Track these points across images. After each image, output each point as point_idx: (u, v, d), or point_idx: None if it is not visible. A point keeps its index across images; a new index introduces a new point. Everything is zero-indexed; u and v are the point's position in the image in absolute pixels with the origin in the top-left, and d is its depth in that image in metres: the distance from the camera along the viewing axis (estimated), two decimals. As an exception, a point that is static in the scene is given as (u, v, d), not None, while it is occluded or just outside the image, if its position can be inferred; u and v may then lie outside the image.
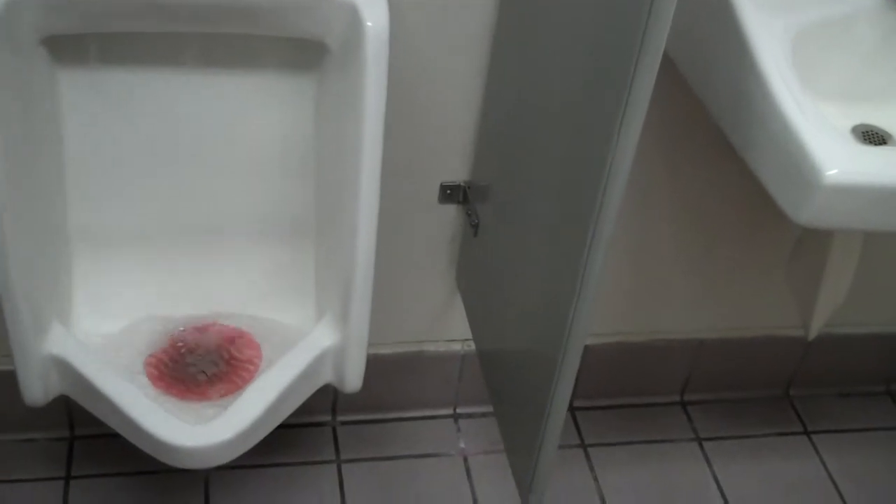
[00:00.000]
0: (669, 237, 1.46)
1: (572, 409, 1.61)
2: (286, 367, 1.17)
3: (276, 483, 1.45)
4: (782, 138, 0.97)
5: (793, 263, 1.34)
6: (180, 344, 1.24)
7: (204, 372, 1.23)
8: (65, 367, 1.14)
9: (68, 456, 1.44)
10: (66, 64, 1.10)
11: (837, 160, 0.93)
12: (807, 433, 1.66)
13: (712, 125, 1.20)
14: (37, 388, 1.16)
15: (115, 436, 1.44)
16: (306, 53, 1.14)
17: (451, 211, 1.36)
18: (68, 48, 1.09)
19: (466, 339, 1.50)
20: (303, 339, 1.21)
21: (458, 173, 1.33)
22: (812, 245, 1.28)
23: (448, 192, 1.34)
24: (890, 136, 1.14)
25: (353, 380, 1.23)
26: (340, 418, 1.55)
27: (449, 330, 1.49)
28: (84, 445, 1.46)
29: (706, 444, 1.61)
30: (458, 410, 1.59)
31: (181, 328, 1.25)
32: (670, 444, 1.61)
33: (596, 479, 1.53)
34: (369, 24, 1.04)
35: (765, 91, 1.00)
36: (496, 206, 1.27)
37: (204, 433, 1.10)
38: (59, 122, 1.14)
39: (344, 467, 1.49)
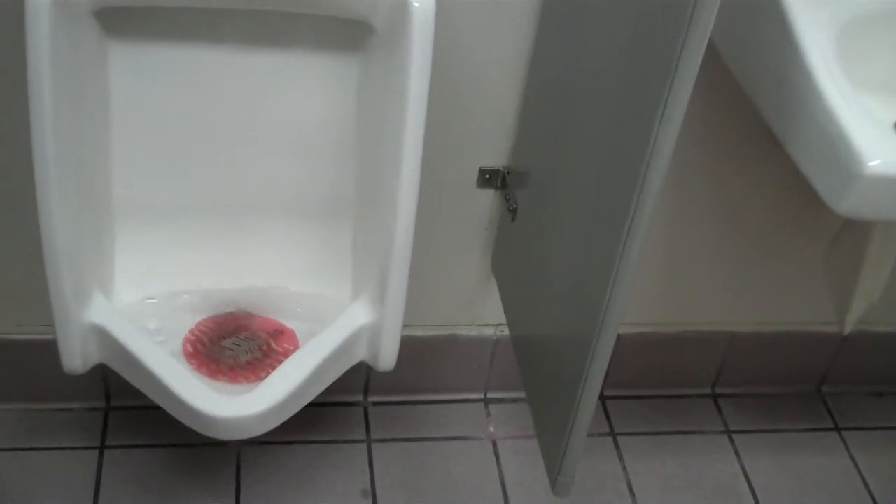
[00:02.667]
0: (705, 229, 1.46)
1: (603, 398, 1.61)
2: (322, 343, 1.18)
3: (306, 460, 1.47)
4: (826, 128, 0.96)
5: (830, 257, 1.33)
6: (222, 326, 1.26)
7: (238, 357, 1.24)
8: (104, 336, 1.16)
9: (103, 426, 1.47)
10: (116, 36, 1.12)
11: (880, 151, 0.92)
12: (837, 430, 1.65)
13: (753, 116, 1.20)
14: (76, 356, 1.17)
15: (150, 408, 1.46)
16: (351, 33, 1.14)
17: (489, 196, 1.37)
18: (119, 21, 1.10)
19: (499, 325, 1.51)
20: (339, 317, 1.22)
21: (497, 158, 1.33)
22: (850, 239, 1.27)
23: (487, 176, 1.35)
24: (933, 131, 1.14)
25: (387, 358, 1.24)
26: (372, 399, 1.56)
27: (482, 315, 1.50)
28: (119, 416, 1.48)
29: (736, 438, 1.61)
30: (489, 395, 1.59)
31: (229, 311, 1.27)
32: (700, 435, 1.61)
33: (624, 468, 1.54)
34: (416, 4, 1.04)
35: (809, 81, 1.00)
36: (535, 191, 1.27)
37: (239, 404, 1.11)
38: (107, 95, 1.15)
39: (374, 447, 1.50)
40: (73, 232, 1.12)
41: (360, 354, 1.25)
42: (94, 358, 1.19)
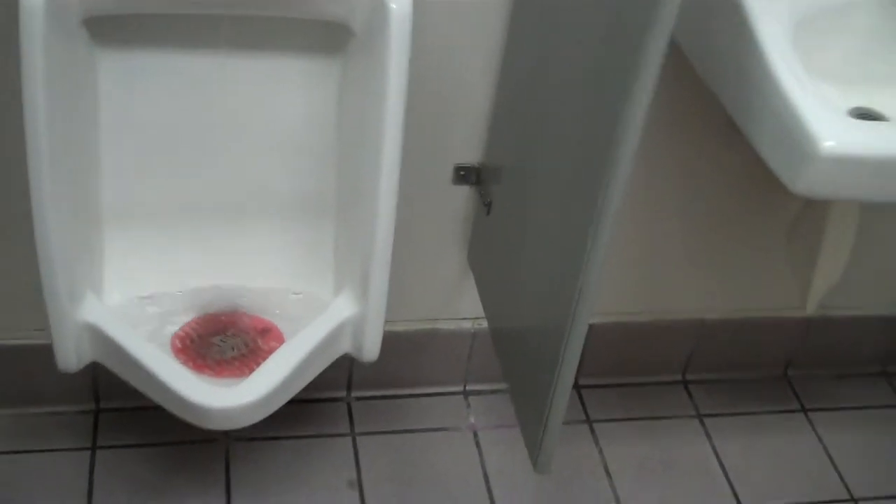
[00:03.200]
0: (673, 219, 1.52)
1: (577, 387, 1.67)
2: (308, 336, 1.23)
3: (293, 454, 1.51)
4: (782, 113, 1.02)
5: (792, 238, 1.40)
6: (211, 323, 1.30)
7: (225, 353, 1.28)
8: (97, 334, 1.20)
9: (94, 428, 1.50)
10: (103, 44, 1.16)
11: (833, 132, 0.99)
12: (804, 411, 1.72)
13: (715, 109, 1.26)
14: (70, 355, 1.21)
15: (139, 408, 1.51)
16: (331, 36, 1.19)
17: (464, 192, 1.42)
18: (106, 29, 1.15)
19: (477, 318, 1.56)
20: (324, 311, 1.27)
21: (471, 155, 1.39)
22: (810, 220, 1.34)
23: (461, 173, 1.40)
24: (884, 118, 1.20)
25: (370, 349, 1.29)
26: (355, 394, 1.60)
27: (460, 308, 1.55)
28: (109, 418, 1.51)
29: (707, 421, 1.67)
30: (468, 387, 1.64)
31: (216, 310, 1.31)
32: (672, 420, 1.67)
33: (601, 452, 1.59)
34: (393, 6, 1.09)
35: (766, 70, 1.06)
36: (508, 186, 1.33)
37: (230, 395, 1.16)
38: (96, 101, 1.20)
39: (359, 440, 1.54)
40: (66, 234, 1.16)
41: (345, 347, 1.29)
42: (88, 356, 1.23)
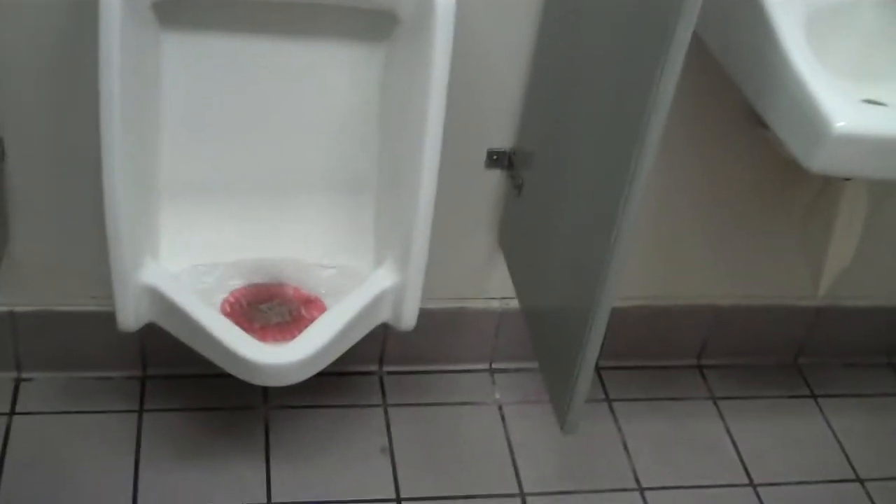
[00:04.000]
0: (690, 207, 1.60)
1: (598, 368, 1.75)
2: (351, 303, 1.31)
3: (329, 422, 1.59)
4: (799, 98, 1.11)
5: (805, 223, 1.48)
6: (257, 292, 1.39)
7: (270, 319, 1.37)
8: (156, 295, 1.29)
9: (141, 393, 1.59)
10: (168, 28, 1.25)
11: (845, 114, 1.07)
12: (813, 397, 1.79)
13: (734, 99, 1.35)
14: (130, 315, 1.30)
15: (183, 376, 1.60)
16: (377, 24, 1.28)
17: (496, 176, 1.51)
18: (172, 13, 1.24)
19: (504, 298, 1.64)
20: (365, 281, 1.35)
21: (504, 140, 1.47)
22: (823, 205, 1.42)
23: (494, 157, 1.48)
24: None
25: (408, 318, 1.37)
26: (387, 368, 1.69)
27: (489, 288, 1.64)
28: (156, 383, 1.60)
29: (720, 403, 1.75)
30: (494, 365, 1.73)
31: (263, 280, 1.39)
32: (688, 401, 1.75)
33: (619, 430, 1.67)
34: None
35: (784, 59, 1.14)
36: (538, 170, 1.41)
37: (280, 353, 1.24)
38: (159, 80, 1.29)
39: (390, 411, 1.63)
40: (130, 203, 1.25)
41: (384, 315, 1.38)
42: (146, 317, 1.31)
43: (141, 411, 1.56)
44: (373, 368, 1.69)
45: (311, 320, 1.33)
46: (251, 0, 1.27)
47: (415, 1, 1.23)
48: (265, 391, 1.61)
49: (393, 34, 1.29)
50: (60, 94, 1.33)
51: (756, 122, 1.33)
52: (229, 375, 1.27)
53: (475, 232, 1.57)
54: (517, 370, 1.72)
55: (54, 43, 1.29)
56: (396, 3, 1.25)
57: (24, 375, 1.58)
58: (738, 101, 1.33)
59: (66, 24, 1.28)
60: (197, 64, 1.31)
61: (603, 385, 1.74)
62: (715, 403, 1.75)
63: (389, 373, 1.69)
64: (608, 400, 1.72)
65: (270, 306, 1.38)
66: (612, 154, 1.14)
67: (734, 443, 1.68)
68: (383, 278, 1.35)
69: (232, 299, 1.36)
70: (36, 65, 1.30)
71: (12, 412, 1.53)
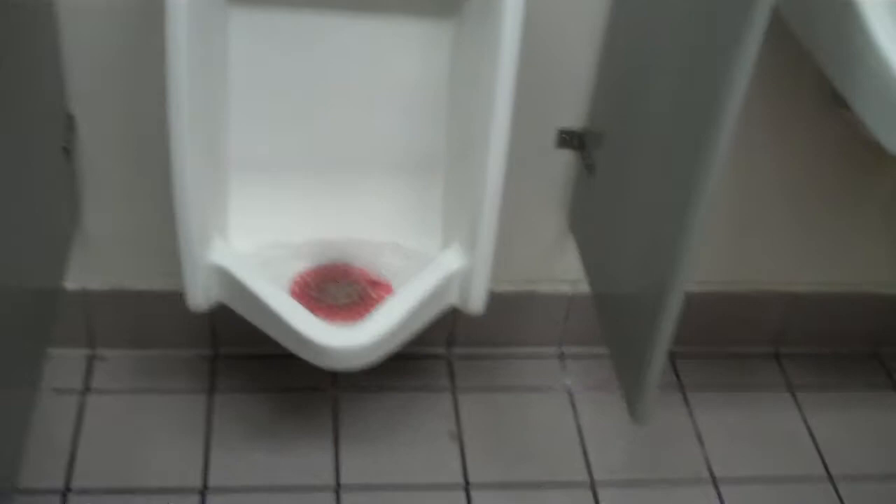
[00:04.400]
0: (768, 189, 1.56)
1: (671, 355, 1.71)
2: (419, 286, 1.30)
3: (397, 405, 1.59)
4: (883, 79, 1.06)
5: (887, 209, 1.43)
6: (325, 272, 1.38)
7: (338, 300, 1.36)
8: (225, 276, 1.29)
9: (211, 372, 1.60)
10: (236, 4, 1.25)
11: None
12: (895, 389, 1.74)
13: (815, 78, 1.30)
14: (199, 295, 1.30)
15: (253, 356, 1.60)
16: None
17: (566, 156, 1.48)
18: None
19: (575, 281, 1.62)
20: (432, 263, 1.34)
21: (574, 119, 1.44)
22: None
23: (565, 137, 1.46)
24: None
25: (476, 302, 1.36)
26: (455, 351, 1.68)
27: (559, 271, 1.61)
28: (226, 363, 1.61)
29: (798, 393, 1.70)
30: (564, 350, 1.70)
31: (331, 260, 1.39)
32: (764, 391, 1.70)
33: (693, 419, 1.63)
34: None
35: (868, 38, 1.09)
36: (610, 150, 1.38)
37: (348, 335, 1.23)
38: (226, 57, 1.29)
39: (459, 394, 1.61)
40: (199, 182, 1.25)
41: (452, 298, 1.36)
42: (215, 297, 1.32)
43: (211, 391, 1.57)
44: (441, 351, 1.67)
45: (379, 301, 1.33)
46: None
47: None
48: (334, 373, 1.61)
49: (462, 10, 1.27)
50: (129, 72, 1.34)
51: (838, 102, 1.28)
52: (298, 356, 1.27)
53: (545, 213, 1.55)
54: (587, 356, 1.69)
55: (123, 20, 1.29)
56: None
57: (98, 353, 1.60)
58: (820, 80, 1.28)
59: (134, 1, 1.28)
60: (265, 41, 1.30)
61: (676, 372, 1.70)
62: (792, 394, 1.70)
63: (458, 356, 1.68)
64: (681, 388, 1.68)
65: (338, 287, 1.37)
66: (687, 134, 1.11)
67: (811, 434, 1.64)
68: (451, 260, 1.33)
69: (299, 280, 1.36)
70: (105, 42, 1.31)
71: (86, 389, 1.55)
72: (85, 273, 1.51)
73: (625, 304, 1.35)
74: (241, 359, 1.61)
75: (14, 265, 1.14)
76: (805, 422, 1.66)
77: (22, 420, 1.16)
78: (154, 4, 1.21)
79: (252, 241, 1.37)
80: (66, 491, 1.43)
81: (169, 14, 1.14)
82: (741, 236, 1.60)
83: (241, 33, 1.28)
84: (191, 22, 1.15)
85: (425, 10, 1.29)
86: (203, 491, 1.45)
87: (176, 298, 1.35)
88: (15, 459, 1.12)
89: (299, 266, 1.38)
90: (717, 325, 1.71)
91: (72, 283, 1.49)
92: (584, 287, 1.55)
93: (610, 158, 1.38)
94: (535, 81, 1.37)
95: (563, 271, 1.61)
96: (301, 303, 1.31)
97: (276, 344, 1.28)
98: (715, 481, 1.55)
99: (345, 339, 1.23)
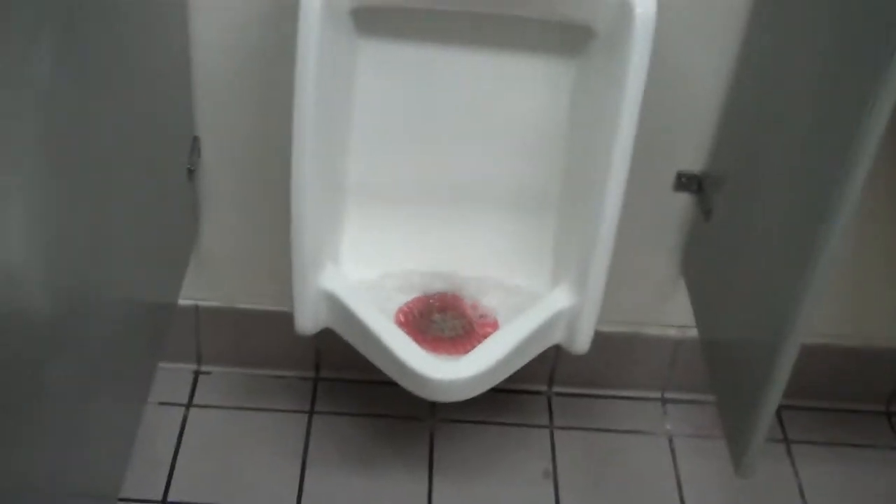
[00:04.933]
0: (888, 244, 1.51)
1: (779, 407, 1.66)
2: (525, 322, 1.29)
3: (493, 439, 1.58)
4: None
5: None
6: (431, 303, 1.38)
7: (443, 331, 1.36)
8: (334, 302, 1.30)
9: (313, 393, 1.61)
10: (365, 35, 1.26)
11: None
12: None
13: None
14: (308, 318, 1.32)
15: (354, 381, 1.61)
16: (571, 38, 1.26)
17: (684, 199, 1.46)
18: (369, 21, 1.25)
19: (682, 326, 1.59)
20: (540, 300, 1.33)
21: (694, 163, 1.42)
22: None
23: (683, 180, 1.43)
24: None
25: (582, 341, 1.34)
26: (555, 389, 1.66)
27: (667, 315, 1.58)
28: (327, 386, 1.62)
29: (911, 456, 1.64)
30: (667, 395, 1.67)
31: (438, 291, 1.39)
32: (873, 449, 1.64)
33: (797, 474, 1.58)
34: (639, 10, 1.15)
35: None
36: (731, 195, 1.35)
37: (451, 368, 1.23)
38: (352, 85, 1.30)
39: (556, 433, 1.60)
40: (316, 207, 1.26)
41: (557, 337, 1.35)
42: (323, 322, 1.33)
43: (311, 412, 1.58)
44: (541, 388, 1.66)
45: (484, 336, 1.32)
46: (446, 10, 1.26)
47: (612, 15, 1.19)
48: (433, 403, 1.60)
49: (587, 48, 1.26)
50: (254, 95, 1.36)
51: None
52: (398, 384, 1.27)
53: (656, 255, 1.52)
54: (691, 402, 1.65)
55: (250, 45, 1.32)
56: (593, 17, 1.22)
57: (203, 368, 1.63)
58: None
59: (262, 27, 1.31)
60: (390, 71, 1.31)
61: (782, 424, 1.65)
62: (904, 455, 1.64)
63: (558, 393, 1.66)
64: (786, 440, 1.63)
65: (444, 318, 1.37)
66: (813, 184, 1.08)
67: (923, 498, 1.58)
68: (559, 299, 1.32)
69: (406, 309, 1.36)
70: (232, 66, 1.34)
71: (189, 404, 1.58)
72: (197, 289, 1.54)
73: (736, 352, 1.31)
74: (343, 383, 1.62)
75: (133, 280, 1.17)
76: (917, 485, 1.60)
77: (129, 431, 1.19)
78: (282, 29, 1.23)
79: (362, 268, 1.38)
80: (164, 503, 1.45)
81: (300, 40, 1.16)
82: (859, 289, 1.55)
83: (368, 63, 1.29)
84: (320, 49, 1.17)
85: (551, 47, 1.28)
86: (297, 512, 1.47)
87: (282, 319, 1.37)
88: (120, 470, 1.14)
89: (407, 295, 1.38)
90: (828, 378, 1.65)
91: (184, 298, 1.52)
92: (692, 332, 1.52)
93: (729, 204, 1.35)
94: (657, 123, 1.35)
95: (671, 315, 1.58)
96: (406, 332, 1.32)
97: (377, 370, 1.29)
98: (817, 540, 1.51)
99: (448, 372, 1.23)
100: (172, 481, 1.48)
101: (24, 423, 0.86)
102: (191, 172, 1.36)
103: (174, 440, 1.53)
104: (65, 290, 0.94)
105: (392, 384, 1.28)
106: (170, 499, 1.46)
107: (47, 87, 0.85)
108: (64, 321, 0.94)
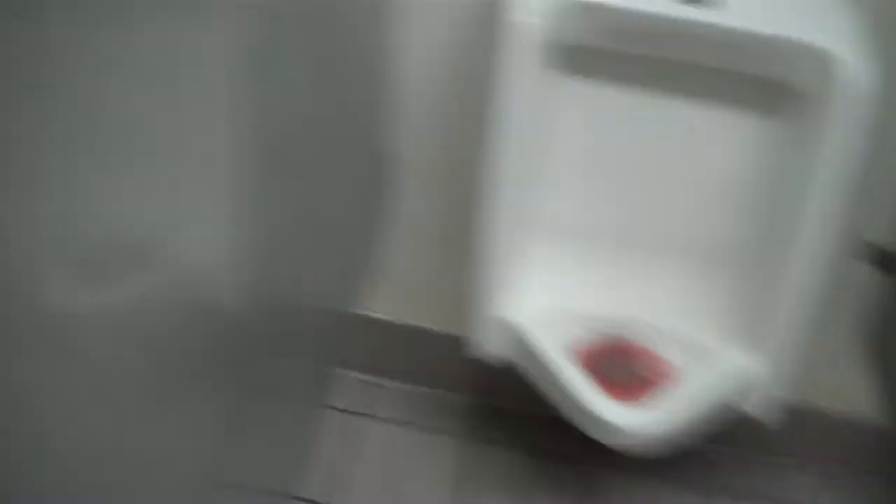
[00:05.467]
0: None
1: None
2: (713, 388, 1.29)
3: (651, 491, 1.55)
4: None
5: None
6: (609, 347, 1.37)
7: (615, 376, 1.35)
8: (513, 333, 1.31)
9: (476, 419, 1.61)
10: (567, 73, 1.27)
11: None
12: None
13: None
14: (483, 344, 1.33)
15: (516, 413, 1.60)
16: (774, 95, 1.24)
17: (867, 271, 1.41)
18: (573, 60, 1.26)
19: (867, 409, 1.53)
20: (733, 369, 1.31)
21: (883, 233, 1.37)
22: None
23: (870, 249, 1.38)
24: None
25: (773, 416, 1.32)
26: (719, 448, 1.61)
27: (844, 396, 1.53)
28: (490, 413, 1.63)
29: None
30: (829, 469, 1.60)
31: (616, 335, 1.38)
32: None
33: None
34: (842, 70, 1.12)
35: None
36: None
37: (633, 416, 1.23)
38: (551, 123, 1.31)
39: (714, 496, 1.56)
40: (502, 239, 1.28)
41: (745, 407, 1.33)
42: (498, 350, 1.34)
43: (471, 438, 1.59)
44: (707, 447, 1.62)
45: (660, 387, 1.31)
46: (651, 56, 1.26)
47: (818, 77, 1.17)
48: (590, 445, 1.58)
49: (789, 107, 1.24)
50: (451, 122, 1.39)
51: None
52: (561, 422, 1.27)
53: (838, 331, 1.47)
54: (855, 485, 1.59)
55: (449, 75, 1.35)
56: (796, 77, 1.20)
57: (375, 380, 1.65)
58: None
59: (462, 58, 1.34)
60: (589, 111, 1.32)
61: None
62: None
63: (718, 452, 1.61)
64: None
65: (619, 364, 1.36)
66: None
67: None
68: (752, 370, 1.30)
69: (587, 349, 1.36)
70: (430, 93, 1.38)
71: (359, 413, 1.60)
72: (378, 302, 1.57)
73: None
74: (507, 413, 1.62)
75: (321, 290, 1.20)
76: None
77: (309, 434, 1.21)
78: (481, 61, 1.25)
79: (542, 303, 1.38)
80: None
81: (501, 73, 1.18)
82: None
83: (568, 101, 1.30)
84: (521, 83, 1.19)
85: (753, 103, 1.27)
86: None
87: (456, 343, 1.38)
88: (298, 469, 1.17)
89: (583, 336, 1.37)
90: None
91: (364, 310, 1.56)
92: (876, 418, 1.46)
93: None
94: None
95: (856, 396, 1.52)
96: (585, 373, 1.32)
97: (543, 404, 1.29)
98: None
99: (630, 419, 1.23)
100: (335, 485, 1.49)
101: (232, 418, 0.89)
102: (388, 189, 1.40)
103: (340, 447, 1.54)
104: (268, 297, 0.98)
105: (555, 421, 1.28)
106: (331, 502, 1.48)
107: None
108: (267, 324, 0.98)
